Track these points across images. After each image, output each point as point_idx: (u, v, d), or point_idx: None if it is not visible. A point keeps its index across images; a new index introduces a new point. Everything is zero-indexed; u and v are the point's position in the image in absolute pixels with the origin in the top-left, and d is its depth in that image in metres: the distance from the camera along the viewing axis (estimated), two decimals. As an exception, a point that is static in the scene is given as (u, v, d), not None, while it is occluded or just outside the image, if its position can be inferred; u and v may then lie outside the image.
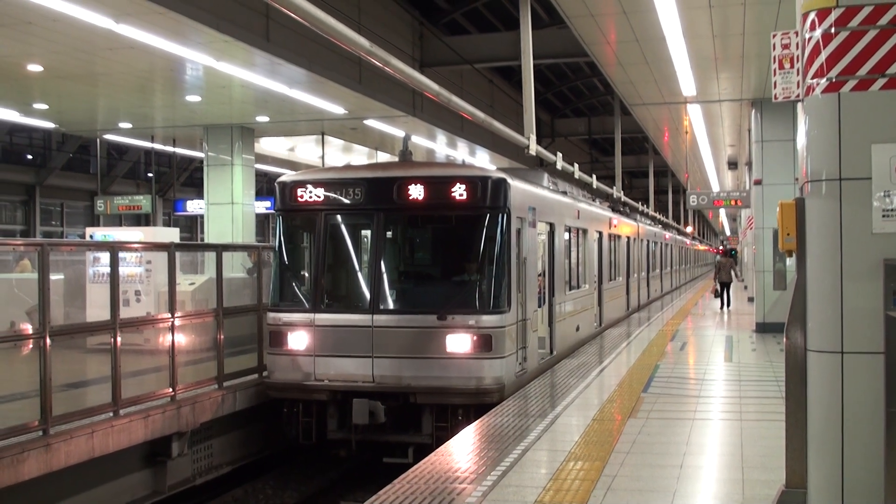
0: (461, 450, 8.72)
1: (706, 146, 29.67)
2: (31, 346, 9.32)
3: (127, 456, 10.35)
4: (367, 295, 11.90)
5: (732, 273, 28.57)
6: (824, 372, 5.39)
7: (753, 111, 20.22)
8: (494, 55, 22.97)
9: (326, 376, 11.75)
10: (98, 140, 29.96)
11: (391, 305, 11.94)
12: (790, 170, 18.88)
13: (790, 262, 5.92)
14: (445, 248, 12.97)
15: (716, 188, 43.23)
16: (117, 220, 34.94)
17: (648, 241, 30.42)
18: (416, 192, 11.77)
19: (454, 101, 13.01)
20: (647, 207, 37.81)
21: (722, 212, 63.30)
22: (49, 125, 24.31)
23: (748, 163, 27.47)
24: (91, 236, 20.15)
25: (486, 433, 9.36)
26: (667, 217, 47.55)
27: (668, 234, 38.76)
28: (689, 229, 55.27)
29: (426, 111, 22.13)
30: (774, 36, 6.27)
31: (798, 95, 5.87)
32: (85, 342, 11.89)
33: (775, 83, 6.20)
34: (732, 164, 33.95)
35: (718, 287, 27.72)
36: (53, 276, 10.13)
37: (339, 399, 11.67)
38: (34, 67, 15.97)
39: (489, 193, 11.71)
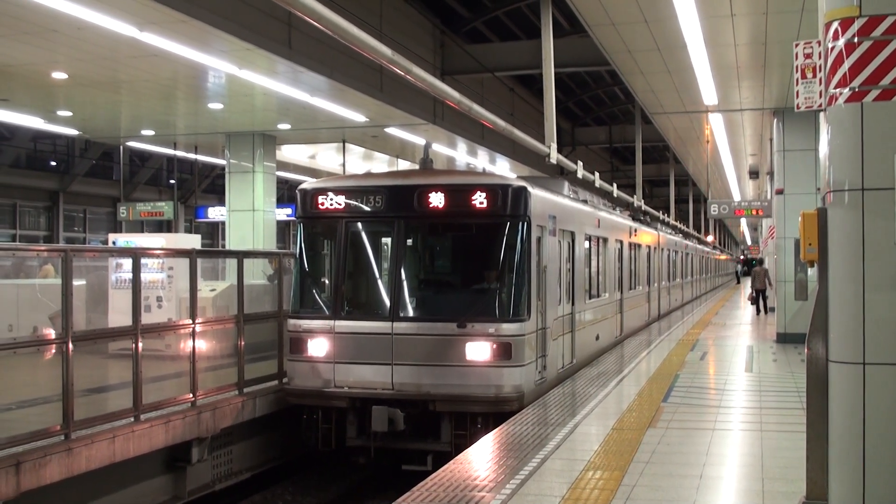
0: (480, 458, 8.71)
1: (727, 155, 29.55)
2: (53, 350, 9.39)
3: (147, 461, 10.41)
4: (387, 302, 11.93)
5: (766, 280, 29.44)
6: (846, 383, 5.36)
7: (775, 120, 20.14)
8: (515, 63, 22.97)
9: (346, 383, 11.77)
10: (121, 147, 30.10)
11: (411, 313, 11.95)
12: (812, 179, 18.78)
13: (812, 272, 5.90)
14: (465, 255, 12.98)
15: (737, 197, 43.03)
16: (139, 227, 35.18)
17: (669, 250, 30.31)
18: (437, 199, 11.79)
19: (475, 110, 13.02)
20: (668, 216, 37.66)
21: (743, 221, 63.08)
22: (73, 132, 24.51)
23: (770, 172, 27.34)
24: (114, 242, 20.28)
25: (505, 441, 9.35)
26: (688, 226, 47.35)
27: (688, 244, 38.62)
28: (709, 238, 55.03)
29: (447, 119, 22.15)
30: (797, 45, 6.26)
31: (820, 105, 5.86)
32: (107, 347, 11.97)
33: (798, 93, 6.19)
34: (754, 174, 33.79)
35: (754, 294, 29.69)
36: (76, 282, 10.20)
37: (359, 406, 11.69)
38: (59, 75, 16.11)
39: (509, 201, 11.71)
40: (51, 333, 9.64)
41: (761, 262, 33.42)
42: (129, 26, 12.69)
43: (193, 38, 13.45)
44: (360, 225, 12.44)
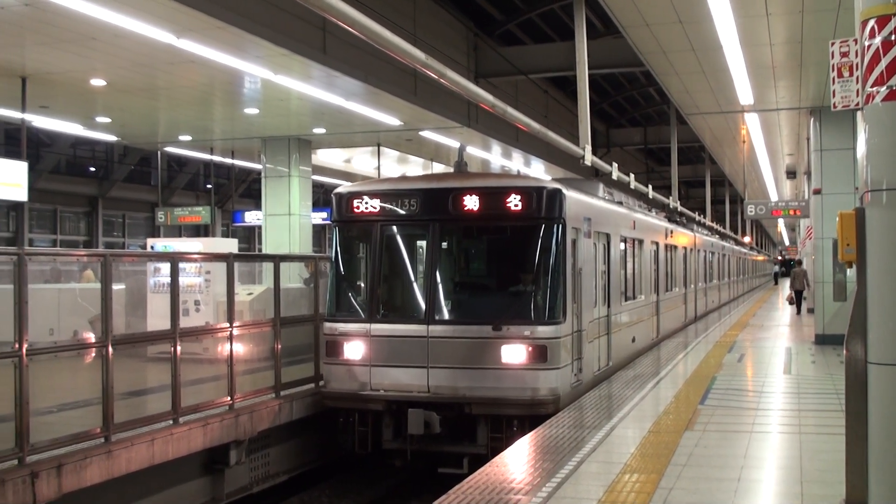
0: (516, 461, 8.71)
1: (764, 155, 29.31)
2: (93, 354, 9.50)
3: (186, 463, 10.49)
4: (423, 305, 11.95)
5: (805, 281, 30.04)
6: (885, 384, 5.31)
7: (812, 120, 19.94)
8: (549, 65, 22.94)
9: (382, 386, 11.81)
10: (159, 152, 30.48)
11: (446, 316, 11.97)
12: (850, 179, 18.55)
13: (850, 272, 5.85)
14: (501, 258, 12.97)
15: (774, 197, 42.66)
16: (177, 231, 35.48)
17: (705, 251, 30.11)
18: (472, 202, 11.81)
19: (509, 113, 13.03)
20: (704, 217, 37.40)
21: (780, 222, 62.49)
22: (111, 138, 24.81)
23: (807, 172, 27.08)
24: (152, 247, 20.50)
25: (540, 444, 9.34)
26: (724, 227, 47.00)
27: (725, 245, 38.34)
28: (746, 239, 54.58)
29: (481, 122, 22.18)
30: (833, 44, 6.21)
31: (857, 104, 5.81)
32: (146, 351, 12.10)
33: (834, 92, 6.14)
34: (791, 174, 33.51)
35: (794, 295, 30.71)
36: (116, 286, 10.33)
37: (395, 409, 11.72)
38: (97, 82, 16.33)
39: (544, 204, 11.70)
40: (91, 337, 9.76)
41: (800, 262, 33.55)
42: (167, 33, 12.85)
43: (230, 45, 13.59)
44: (395, 228, 12.47)
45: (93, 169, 36.89)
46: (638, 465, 8.33)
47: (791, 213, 26.85)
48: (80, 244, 35.22)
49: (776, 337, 21.96)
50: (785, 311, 31.91)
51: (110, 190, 35.61)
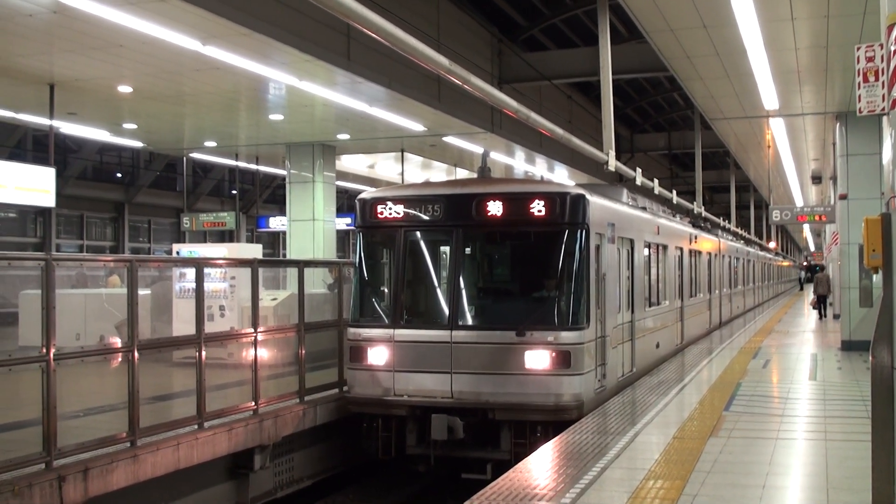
0: (540, 467, 8.71)
1: (789, 160, 29.14)
2: (119, 359, 9.57)
3: (210, 468, 10.54)
4: (446, 311, 11.96)
5: (828, 286, 31.27)
6: (912, 391, 5.28)
7: (838, 124, 19.82)
8: (573, 71, 22.92)
9: (406, 392, 11.83)
10: (184, 158, 30.67)
11: (470, 321, 11.97)
12: (876, 184, 18.41)
13: (876, 278, 5.81)
14: (524, 264, 12.96)
15: (799, 203, 42.39)
16: (202, 237, 35.70)
17: (730, 256, 29.97)
18: (495, 208, 11.81)
19: (533, 118, 13.03)
20: (729, 223, 37.22)
21: (806, 227, 62.07)
22: (138, 144, 25.03)
23: (833, 177, 26.93)
24: (177, 252, 20.62)
25: (564, 450, 9.33)
26: (749, 232, 46.74)
27: (749, 250, 38.13)
28: (771, 245, 54.26)
29: (505, 127, 22.19)
30: (858, 48, 6.19)
31: (883, 109, 5.78)
32: (171, 356, 12.17)
33: (860, 96, 6.12)
34: (816, 179, 33.29)
35: (816, 299, 31.40)
36: (141, 292, 10.40)
37: (418, 414, 11.73)
38: (124, 88, 16.47)
39: (568, 209, 11.69)
40: (117, 342, 9.83)
41: (822, 268, 33.98)
42: (193, 40, 12.95)
43: (255, 51, 13.67)
44: (418, 234, 12.50)
45: (119, 175, 37.20)
46: (662, 472, 8.31)
47: (817, 218, 26.70)
48: (106, 250, 35.52)
49: (801, 343, 21.82)
50: (810, 317, 31.76)
51: (136, 196, 35.90)
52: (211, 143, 24.15)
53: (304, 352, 12.36)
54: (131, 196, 35.84)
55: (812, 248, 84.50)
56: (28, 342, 9.15)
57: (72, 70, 15.01)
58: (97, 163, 35.30)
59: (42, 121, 19.52)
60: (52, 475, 8.09)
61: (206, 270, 11.80)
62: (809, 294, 40.68)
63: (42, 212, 31.00)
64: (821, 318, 30.57)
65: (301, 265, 13.12)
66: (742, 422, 10.83)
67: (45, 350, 8.24)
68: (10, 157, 26.92)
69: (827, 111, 19.79)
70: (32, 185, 16.53)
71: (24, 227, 32.56)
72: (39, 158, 29.48)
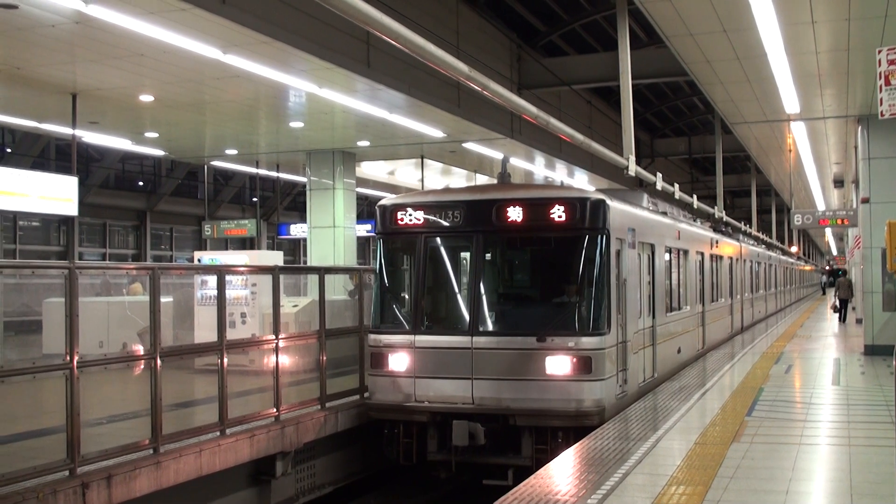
0: (561, 473, 8.69)
1: (811, 164, 29.00)
2: (142, 366, 9.63)
3: (233, 475, 10.59)
4: (467, 317, 11.96)
5: (850, 290, 31.57)
6: (936, 396, 5.24)
7: (860, 128, 19.71)
8: (593, 76, 22.90)
9: (426, 398, 11.84)
10: (205, 166, 30.86)
11: (490, 327, 11.97)
12: (899, 188, 18.34)
13: (899, 283, 5.79)
14: (544, 269, 12.95)
15: (821, 207, 42.17)
16: (224, 244, 35.86)
17: (751, 261, 29.84)
18: (515, 214, 11.82)
19: (552, 124, 13.03)
20: (750, 227, 37.06)
21: (828, 231, 61.70)
22: (159, 153, 25.20)
23: (855, 181, 26.75)
24: (199, 260, 20.73)
25: (586, 456, 9.31)
26: (770, 237, 46.52)
27: (771, 255, 37.95)
28: (793, 249, 53.96)
29: (525, 133, 22.19)
30: (880, 52, 6.17)
31: (905, 112, 5.75)
32: (193, 363, 12.23)
33: (881, 100, 6.09)
34: (838, 182, 33.10)
35: (838, 303, 31.71)
36: (163, 299, 10.46)
37: (439, 420, 11.73)
38: (146, 97, 16.59)
39: (588, 215, 11.68)
40: (139, 349, 9.89)
41: (844, 272, 34.02)
42: (213, 49, 13.03)
43: (275, 59, 13.74)
44: (439, 240, 12.51)
45: (141, 183, 37.46)
46: (684, 478, 8.28)
47: (839, 222, 26.51)
48: (128, 257, 35.74)
49: (824, 348, 21.67)
50: (833, 322, 31.57)
51: (158, 204, 36.12)
52: (231, 151, 24.28)
53: (325, 358, 12.39)
54: (153, 204, 36.06)
55: (834, 252, 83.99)
56: (51, 350, 9.22)
57: (94, 79, 15.13)
58: (119, 171, 35.55)
59: (65, 130, 19.67)
60: (75, 482, 8.15)
61: (228, 278, 11.85)
62: (831, 298, 40.56)
63: (65, 220, 31.22)
64: (841, 321, 30.78)
65: (322, 272, 13.15)
66: (764, 427, 10.77)
67: (68, 358, 8.30)
68: (34, 167, 27.14)
69: (848, 115, 19.69)
70: (55, 194, 16.67)
71: (47, 236, 32.84)
72: (62, 167, 29.72)
